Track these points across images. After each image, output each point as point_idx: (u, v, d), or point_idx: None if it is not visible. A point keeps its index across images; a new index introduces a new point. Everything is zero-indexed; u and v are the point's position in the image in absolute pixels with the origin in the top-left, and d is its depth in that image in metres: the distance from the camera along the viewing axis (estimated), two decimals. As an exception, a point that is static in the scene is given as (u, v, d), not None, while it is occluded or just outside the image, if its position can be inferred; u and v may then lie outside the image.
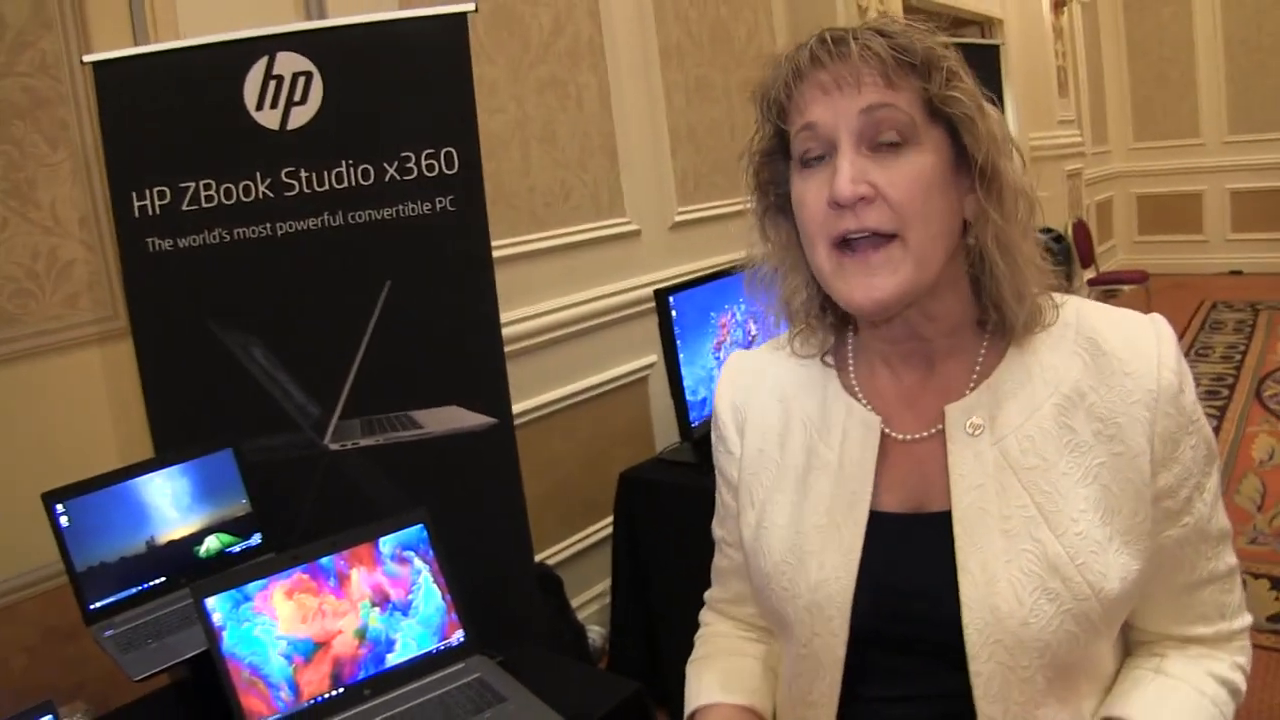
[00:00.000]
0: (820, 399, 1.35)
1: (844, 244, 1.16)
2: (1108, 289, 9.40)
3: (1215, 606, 1.28)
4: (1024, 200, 1.20)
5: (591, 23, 4.27)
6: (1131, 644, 1.32)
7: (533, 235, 3.97)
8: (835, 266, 1.17)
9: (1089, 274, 9.61)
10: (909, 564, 1.23)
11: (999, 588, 1.15)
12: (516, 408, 3.61)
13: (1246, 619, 1.31)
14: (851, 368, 1.35)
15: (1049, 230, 4.92)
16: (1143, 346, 1.20)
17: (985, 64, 6.22)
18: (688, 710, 1.46)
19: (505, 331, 3.60)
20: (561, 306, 4.05)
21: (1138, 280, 9.21)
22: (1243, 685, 1.28)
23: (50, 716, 1.63)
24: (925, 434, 1.27)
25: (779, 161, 1.28)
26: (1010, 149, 1.20)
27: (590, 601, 4.14)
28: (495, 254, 3.43)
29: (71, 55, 2.74)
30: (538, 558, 3.70)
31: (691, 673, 1.51)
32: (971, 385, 1.25)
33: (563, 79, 4.13)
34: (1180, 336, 7.19)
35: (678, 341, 3.40)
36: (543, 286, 4.00)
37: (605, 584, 3.85)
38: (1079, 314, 1.26)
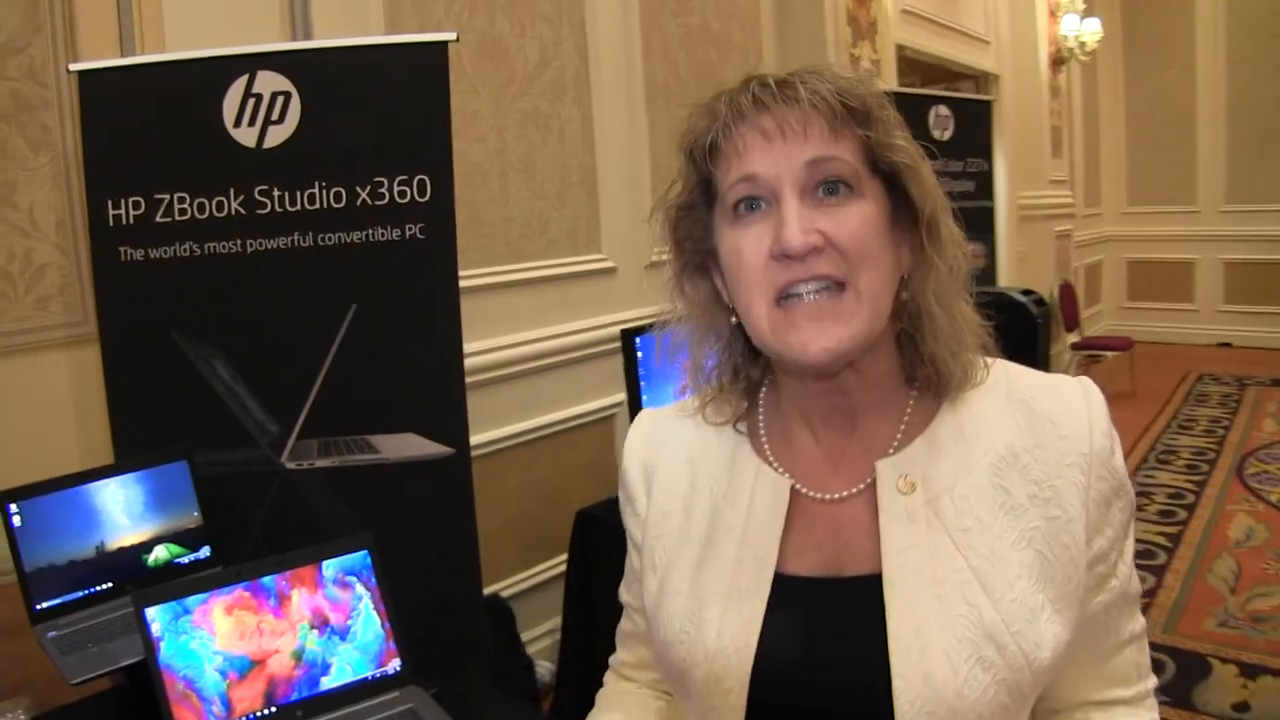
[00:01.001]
0: (728, 463, 1.29)
1: (786, 298, 1.11)
2: (1090, 354, 9.40)
3: (1134, 667, 1.25)
4: (961, 255, 1.19)
5: (578, 58, 4.30)
6: (1044, 714, 1.28)
7: (507, 266, 3.99)
8: (780, 320, 1.12)
9: (1072, 338, 9.63)
10: (827, 630, 1.16)
11: (932, 655, 1.09)
12: (480, 438, 3.62)
13: (1154, 677, 1.29)
14: (763, 432, 1.30)
15: (1030, 292, 4.94)
16: (1074, 409, 1.17)
17: (978, 120, 6.28)
18: None
19: (474, 361, 3.62)
20: (533, 339, 4.06)
21: (1122, 347, 9.23)
22: None
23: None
24: (846, 494, 1.21)
25: (700, 215, 1.24)
26: (948, 202, 1.18)
27: (542, 636, 4.14)
28: (468, 283, 3.45)
29: (59, 62, 2.77)
30: (492, 589, 3.71)
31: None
32: (897, 441, 1.21)
33: (546, 112, 4.16)
34: (1162, 408, 7.20)
35: (642, 383, 3.41)
36: (514, 318, 4.02)
37: (558, 619, 3.83)
38: (1009, 375, 1.23)
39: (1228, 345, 11.44)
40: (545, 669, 3.87)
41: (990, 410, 1.20)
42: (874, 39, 6.29)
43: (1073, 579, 1.13)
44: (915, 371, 1.22)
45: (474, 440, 3.60)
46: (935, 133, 5.79)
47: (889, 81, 6.50)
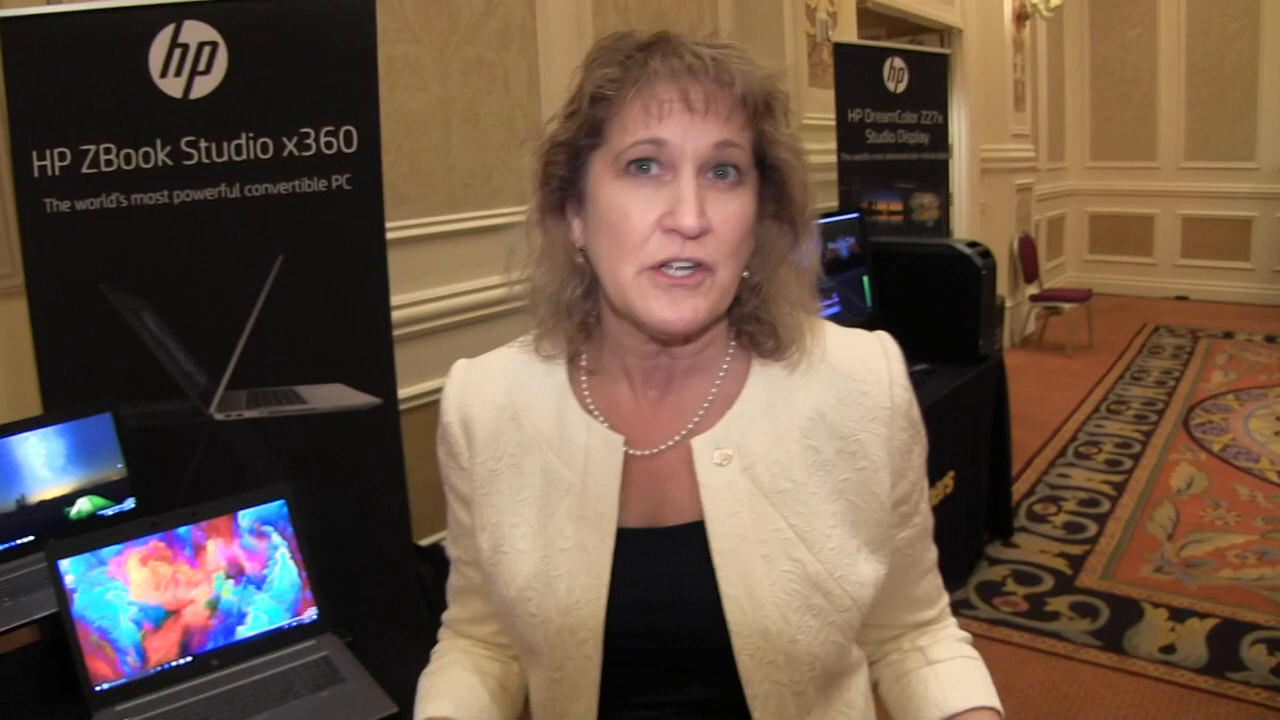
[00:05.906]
0: (556, 416, 1.29)
1: (655, 268, 1.12)
2: (1049, 305, 9.48)
3: (935, 590, 1.41)
4: (811, 245, 1.24)
5: (525, 6, 4.24)
6: (863, 636, 1.33)
7: (451, 215, 3.96)
8: (647, 286, 1.12)
9: (1032, 289, 9.69)
10: (663, 579, 1.21)
11: (765, 610, 1.16)
12: (423, 387, 3.62)
13: (947, 594, 1.45)
14: (585, 381, 1.31)
15: (975, 244, 4.93)
16: (874, 366, 1.25)
17: (933, 73, 6.24)
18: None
19: (418, 310, 3.61)
20: (481, 288, 4.01)
21: (1080, 299, 9.34)
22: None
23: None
24: (663, 447, 1.25)
25: (577, 156, 1.19)
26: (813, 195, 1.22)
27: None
28: (409, 233, 3.42)
29: (-19, 10, 2.73)
30: (435, 539, 3.71)
31: (423, 685, 1.42)
32: (706, 404, 1.25)
33: (490, 61, 4.11)
34: (1117, 359, 7.32)
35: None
36: (461, 266, 3.98)
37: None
38: (814, 337, 1.26)
39: (1184, 299, 11.66)
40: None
41: (797, 375, 1.25)
42: (831, -9, 6.24)
43: (882, 522, 1.24)
44: (741, 334, 1.27)
45: (417, 390, 3.61)
46: (890, 85, 5.75)
47: (849, 34, 6.46)
